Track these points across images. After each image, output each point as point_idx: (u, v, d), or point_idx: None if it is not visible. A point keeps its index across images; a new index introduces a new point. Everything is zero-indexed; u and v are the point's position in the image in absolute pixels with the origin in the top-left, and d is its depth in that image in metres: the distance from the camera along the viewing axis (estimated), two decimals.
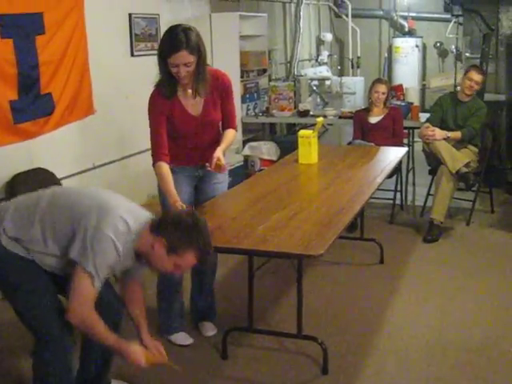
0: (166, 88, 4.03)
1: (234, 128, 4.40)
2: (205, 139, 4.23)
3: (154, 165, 4.08)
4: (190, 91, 4.10)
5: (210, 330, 4.63)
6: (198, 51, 3.91)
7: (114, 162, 6.24)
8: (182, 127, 4.12)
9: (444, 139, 6.57)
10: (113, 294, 3.45)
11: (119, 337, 3.15)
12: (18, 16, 5.24)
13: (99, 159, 6.11)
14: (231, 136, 4.33)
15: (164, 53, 3.90)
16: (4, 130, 5.00)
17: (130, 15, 6.69)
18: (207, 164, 4.12)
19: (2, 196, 5.12)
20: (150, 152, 4.11)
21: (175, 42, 3.84)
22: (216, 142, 4.22)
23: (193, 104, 4.13)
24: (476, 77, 6.74)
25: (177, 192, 4.05)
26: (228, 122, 4.34)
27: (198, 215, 3.15)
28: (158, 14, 7.06)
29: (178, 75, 3.91)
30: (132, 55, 6.77)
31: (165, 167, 4.02)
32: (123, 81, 6.10)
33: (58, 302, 3.19)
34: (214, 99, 4.20)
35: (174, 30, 3.89)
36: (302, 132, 5.36)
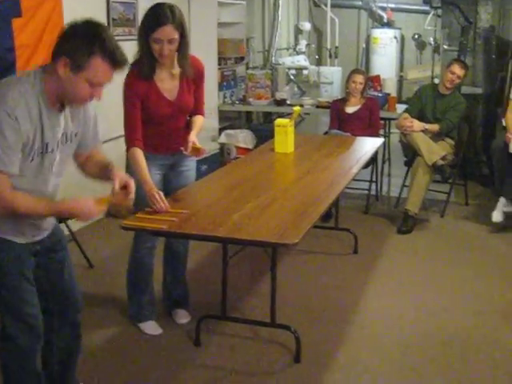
0: (145, 67, 3.95)
1: (203, 115, 4.34)
2: (177, 125, 4.18)
3: (127, 150, 4.01)
4: (166, 74, 4.04)
5: (183, 317, 4.62)
6: (182, 29, 3.87)
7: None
8: (156, 111, 4.05)
9: (422, 131, 6.59)
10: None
11: (50, 202, 2.93)
12: None
13: None
14: (201, 122, 4.28)
15: (147, 28, 3.84)
16: None
17: (108, 0, 6.63)
18: (182, 148, 4.06)
19: None
20: (121, 139, 4.03)
21: (160, 17, 3.79)
22: (186, 128, 4.19)
23: (169, 88, 4.07)
24: (458, 71, 6.75)
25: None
26: (197, 109, 4.27)
27: (94, 20, 2.77)
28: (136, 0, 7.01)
29: (161, 52, 3.84)
30: None
31: (140, 153, 3.95)
32: None
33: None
34: (189, 84, 4.16)
35: (158, 6, 3.85)
36: (278, 121, 5.35)
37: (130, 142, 4.00)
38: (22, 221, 2.93)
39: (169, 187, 4.24)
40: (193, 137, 4.08)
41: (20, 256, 2.98)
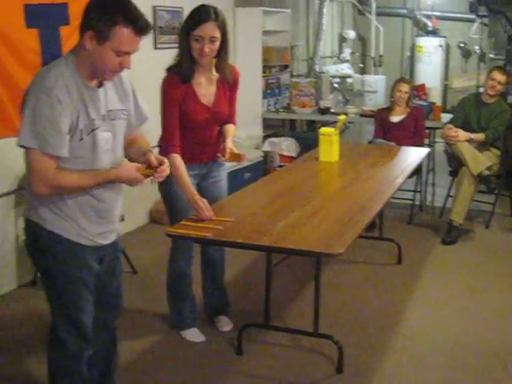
0: (184, 70, 3.95)
1: (235, 124, 4.32)
2: (211, 133, 4.17)
3: (166, 155, 3.82)
4: (204, 78, 4.04)
5: (226, 325, 4.63)
6: (224, 30, 3.89)
7: None
8: (193, 117, 4.03)
9: (467, 141, 6.53)
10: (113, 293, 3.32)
11: (95, 172, 2.91)
12: (44, 6, 5.26)
13: None
14: (233, 130, 4.27)
15: (189, 26, 3.86)
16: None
17: (154, 8, 6.69)
18: (219, 155, 4.05)
19: (24, 185, 5.14)
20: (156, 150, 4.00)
21: (203, 14, 3.82)
22: (218, 137, 4.19)
23: (206, 93, 4.07)
24: (499, 76, 6.69)
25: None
26: (229, 117, 4.26)
27: None
28: (182, 8, 7.04)
29: (201, 52, 3.83)
30: (155, 48, 6.77)
31: (179, 159, 3.94)
32: (146, 73, 6.08)
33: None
34: (225, 91, 4.16)
35: (202, 5, 3.88)
36: (323, 129, 5.34)
37: (168, 148, 3.97)
38: (90, 219, 2.97)
39: (204, 197, 4.18)
40: (229, 143, 4.07)
41: (86, 262, 3.01)
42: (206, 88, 4.07)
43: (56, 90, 2.69)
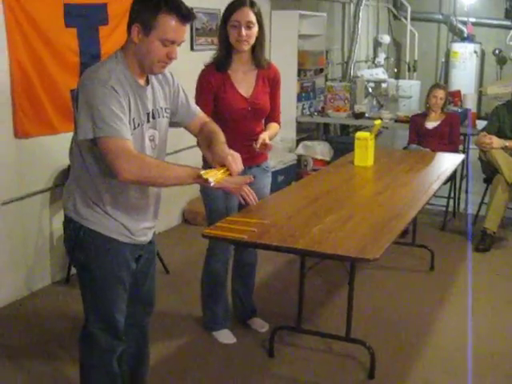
0: (221, 58, 4.02)
1: (279, 123, 4.33)
2: (253, 129, 4.14)
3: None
4: (242, 69, 4.08)
5: (261, 325, 4.66)
6: (260, 19, 3.96)
7: (167, 154, 6.25)
8: (231, 106, 4.04)
9: (501, 148, 6.49)
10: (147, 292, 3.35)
11: (177, 165, 2.91)
12: (83, 6, 5.31)
13: None
14: (275, 128, 4.27)
15: (226, 14, 3.96)
16: (65, 117, 5.05)
17: (191, 9, 6.70)
18: (254, 143, 4.02)
19: (59, 182, 5.19)
20: (195, 149, 3.97)
21: (239, 1, 3.92)
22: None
23: (244, 84, 4.10)
24: None
25: (224, 197, 4.08)
26: (272, 116, 4.28)
27: None
28: (219, 9, 7.05)
29: (239, 37, 3.90)
30: (192, 49, 6.81)
31: None
32: (183, 74, 6.09)
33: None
34: (265, 85, 4.18)
35: None
36: (359, 134, 5.32)
37: None
38: (130, 216, 3.00)
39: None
40: (265, 135, 4.07)
41: (125, 260, 3.04)
42: (243, 79, 4.10)
43: (111, 81, 2.74)
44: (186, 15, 2.81)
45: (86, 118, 2.71)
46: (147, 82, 2.97)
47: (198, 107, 3.35)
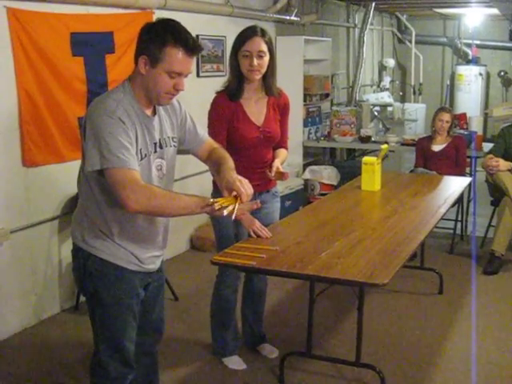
0: (233, 88, 4.03)
1: (287, 148, 4.35)
2: (264, 156, 4.17)
3: None
4: (253, 98, 4.10)
5: (271, 352, 4.64)
6: (271, 47, 3.98)
7: (174, 181, 6.27)
8: (243, 135, 4.06)
9: (508, 170, 6.49)
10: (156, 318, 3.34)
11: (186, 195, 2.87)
12: (90, 35, 5.36)
13: None
14: (284, 154, 4.29)
15: (237, 43, 3.97)
16: (73, 146, 5.09)
17: (197, 36, 6.76)
18: (267, 171, 4.07)
19: (68, 210, 5.21)
20: (209, 173, 4.02)
21: (251, 31, 3.94)
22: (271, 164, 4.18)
23: (256, 112, 4.11)
24: None
25: (234, 223, 4.04)
26: (281, 141, 4.29)
27: (164, 17, 2.94)
28: (225, 36, 7.13)
29: (250, 67, 3.91)
30: (198, 76, 6.84)
31: None
32: (189, 101, 6.13)
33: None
34: (276, 113, 4.20)
35: (249, 26, 4.00)
36: (366, 158, 5.34)
37: None
38: (139, 244, 3.01)
39: None
40: (278, 162, 4.11)
41: (134, 288, 3.04)
42: (255, 107, 4.12)
43: (118, 112, 2.76)
44: (193, 48, 2.83)
45: (94, 149, 2.72)
46: (154, 112, 2.99)
47: (205, 133, 3.37)
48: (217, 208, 2.80)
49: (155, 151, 2.96)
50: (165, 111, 3.06)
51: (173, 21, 2.88)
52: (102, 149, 2.71)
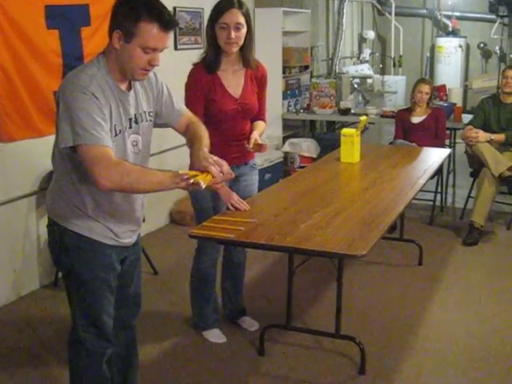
0: (210, 60, 3.99)
1: (264, 120, 4.34)
2: (242, 129, 4.15)
3: None
4: (231, 70, 4.07)
5: (252, 324, 4.65)
6: (248, 19, 3.94)
7: (152, 155, 6.22)
8: (220, 107, 4.03)
9: (487, 141, 6.50)
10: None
11: (158, 171, 2.81)
12: (65, 7, 5.29)
13: None
14: (262, 126, 4.27)
15: (214, 15, 3.92)
16: (49, 120, 5.03)
17: (174, 8, 6.70)
18: (246, 144, 4.07)
19: (45, 186, 5.17)
20: (182, 148, 3.98)
21: (228, 2, 3.88)
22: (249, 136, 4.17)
23: (233, 84, 4.08)
24: (511, 73, 6.68)
25: (212, 197, 4.07)
26: (259, 114, 4.27)
27: None
28: (203, 8, 7.06)
29: (228, 40, 3.88)
30: (176, 49, 6.78)
31: None
32: (167, 74, 6.07)
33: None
34: (253, 85, 4.18)
35: None
36: (344, 130, 5.32)
37: None
38: (114, 219, 2.98)
39: None
40: (256, 134, 4.10)
41: (110, 262, 3.01)
42: (232, 79, 4.09)
43: (91, 87, 2.70)
44: (169, 23, 2.76)
45: (66, 126, 2.67)
46: (130, 86, 2.93)
47: (183, 106, 3.32)
48: (191, 182, 2.76)
49: (130, 127, 2.92)
50: (141, 85, 3.01)
51: None
52: (74, 125, 2.65)
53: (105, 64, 2.82)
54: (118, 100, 2.84)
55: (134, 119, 2.94)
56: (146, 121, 3.03)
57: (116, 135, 2.82)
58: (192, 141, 3.15)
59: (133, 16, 2.70)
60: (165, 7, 2.78)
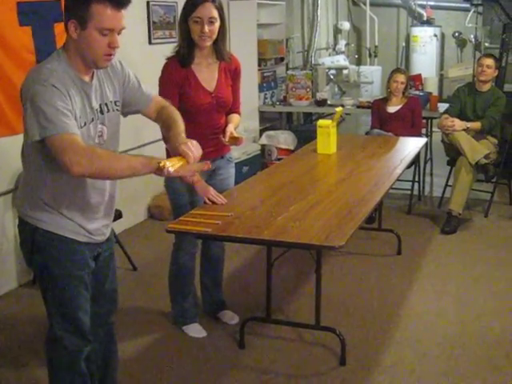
0: (184, 54, 3.98)
1: (239, 113, 4.33)
2: (217, 122, 4.15)
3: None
4: (205, 63, 4.05)
5: (232, 318, 4.64)
6: (221, 12, 3.93)
7: (130, 150, 6.21)
8: (195, 101, 4.02)
9: (464, 130, 6.53)
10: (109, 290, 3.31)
11: (130, 156, 2.86)
12: (37, 3, 5.24)
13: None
14: (237, 119, 4.27)
15: (188, 9, 3.90)
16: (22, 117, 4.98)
17: (148, 3, 6.66)
18: (221, 137, 4.07)
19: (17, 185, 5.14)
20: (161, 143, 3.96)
21: None
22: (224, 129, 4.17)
23: (207, 78, 4.07)
24: (486, 61, 6.73)
25: (188, 191, 4.07)
26: (233, 107, 4.27)
27: None
28: (176, 2, 7.02)
29: (201, 34, 3.86)
30: (150, 43, 6.75)
31: None
32: (142, 68, 6.04)
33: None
34: (227, 78, 4.17)
35: None
36: (320, 122, 5.32)
37: None
38: (86, 215, 2.95)
39: None
40: (231, 127, 4.10)
41: (84, 260, 2.99)
42: (206, 73, 4.08)
43: (51, 79, 2.67)
44: (119, 0, 2.73)
45: (31, 120, 2.65)
46: (92, 77, 2.90)
47: (152, 92, 3.28)
48: (160, 165, 2.70)
49: (95, 117, 2.89)
50: (105, 75, 2.97)
51: None
52: (39, 118, 2.62)
53: (65, 57, 2.78)
54: (82, 91, 2.81)
55: (99, 109, 2.91)
56: (113, 110, 3.00)
57: (81, 127, 2.79)
58: (168, 125, 3.13)
59: (82, 1, 2.66)
60: None
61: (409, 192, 7.15)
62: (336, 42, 12.67)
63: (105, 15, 2.69)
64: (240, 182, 4.49)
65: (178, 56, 4.02)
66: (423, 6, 13.82)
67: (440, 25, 13.76)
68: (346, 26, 12.81)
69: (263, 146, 8.48)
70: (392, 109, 7.04)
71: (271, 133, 8.60)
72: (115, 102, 3.02)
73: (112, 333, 3.39)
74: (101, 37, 2.72)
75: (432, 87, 8.51)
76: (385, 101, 7.17)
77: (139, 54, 6.30)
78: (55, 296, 3.00)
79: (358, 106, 8.16)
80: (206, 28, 3.85)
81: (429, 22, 13.75)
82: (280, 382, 3.94)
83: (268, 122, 9.10)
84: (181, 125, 3.12)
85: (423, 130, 7.44)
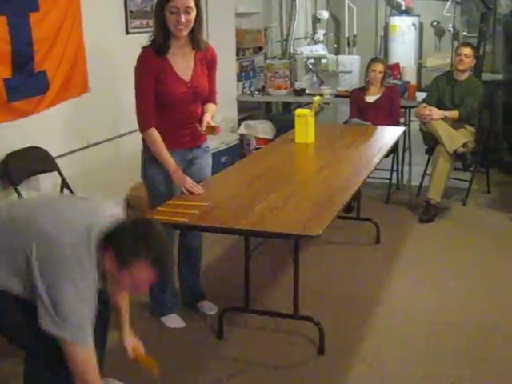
0: (160, 44, 3.94)
1: (215, 103, 4.32)
2: (193, 113, 4.13)
3: (144, 132, 4.00)
4: (180, 53, 4.03)
5: (210, 308, 4.64)
6: (198, 2, 3.91)
7: (107, 140, 6.16)
8: (171, 90, 4.00)
9: (441, 119, 6.54)
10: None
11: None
12: None
13: (93, 138, 6.02)
14: (213, 108, 4.26)
15: None
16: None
17: None
18: (198, 125, 4.06)
19: None
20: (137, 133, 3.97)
21: None
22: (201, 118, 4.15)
23: (183, 67, 4.05)
24: (464, 50, 6.75)
25: (166, 181, 4.06)
26: (210, 96, 4.25)
27: (152, 220, 2.90)
28: None
29: (178, 24, 3.83)
30: (127, 33, 6.69)
31: (157, 134, 3.96)
32: (118, 58, 6.02)
33: None
34: (203, 68, 4.15)
35: None
36: (298, 111, 5.31)
37: (146, 124, 3.99)
38: None
39: None
40: (208, 116, 4.09)
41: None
42: (182, 62, 4.05)
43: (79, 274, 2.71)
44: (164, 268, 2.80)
45: (44, 310, 2.68)
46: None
47: None
48: None
49: None
50: None
51: (157, 228, 2.78)
52: (61, 322, 2.70)
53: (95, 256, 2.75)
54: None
55: None
56: None
57: None
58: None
59: (133, 253, 2.68)
60: (165, 249, 2.80)
61: (387, 181, 7.16)
62: (315, 32, 12.62)
63: (144, 274, 2.73)
64: (218, 172, 4.48)
65: (153, 45, 3.99)
66: None
67: (418, 14, 13.74)
68: (324, 15, 12.76)
69: (242, 136, 8.45)
70: (370, 98, 7.04)
71: (250, 122, 8.57)
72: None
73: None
74: (130, 281, 2.76)
75: (410, 76, 8.51)
76: (363, 90, 7.17)
77: (116, 44, 6.24)
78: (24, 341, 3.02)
79: (337, 96, 8.16)
80: (183, 18, 3.82)
81: (407, 12, 13.73)
82: (258, 371, 3.94)
83: (246, 111, 9.06)
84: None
85: (401, 119, 7.44)
